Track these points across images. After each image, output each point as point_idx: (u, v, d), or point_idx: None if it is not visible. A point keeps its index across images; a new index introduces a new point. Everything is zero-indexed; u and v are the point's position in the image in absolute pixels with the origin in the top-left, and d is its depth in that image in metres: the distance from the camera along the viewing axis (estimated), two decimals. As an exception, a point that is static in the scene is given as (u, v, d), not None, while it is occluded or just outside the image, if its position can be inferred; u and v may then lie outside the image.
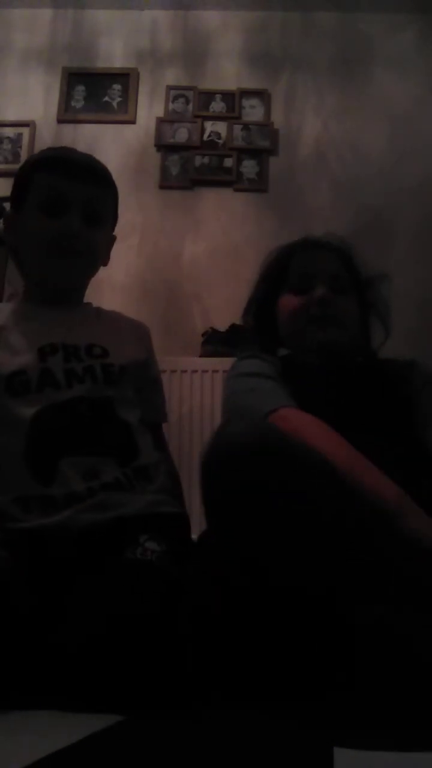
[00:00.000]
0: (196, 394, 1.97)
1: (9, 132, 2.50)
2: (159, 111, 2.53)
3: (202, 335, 2.13)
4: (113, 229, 1.12)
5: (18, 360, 0.96)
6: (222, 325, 2.13)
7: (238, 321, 2.12)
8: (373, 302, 1.14)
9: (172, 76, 2.58)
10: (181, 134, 2.50)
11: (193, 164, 2.45)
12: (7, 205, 2.24)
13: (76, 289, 1.10)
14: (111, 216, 1.09)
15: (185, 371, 2.00)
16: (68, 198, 1.00)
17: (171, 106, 2.54)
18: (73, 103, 2.54)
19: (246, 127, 2.50)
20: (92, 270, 1.09)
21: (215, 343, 2.08)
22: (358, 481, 0.77)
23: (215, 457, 0.71)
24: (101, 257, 1.09)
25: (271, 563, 0.66)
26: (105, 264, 1.12)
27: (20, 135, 2.49)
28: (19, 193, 1.05)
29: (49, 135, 2.51)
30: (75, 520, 0.85)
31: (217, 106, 2.53)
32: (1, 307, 1.09)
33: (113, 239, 1.13)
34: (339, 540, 0.68)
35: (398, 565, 0.69)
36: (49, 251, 1.01)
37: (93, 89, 2.55)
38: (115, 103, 2.54)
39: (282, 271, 1.13)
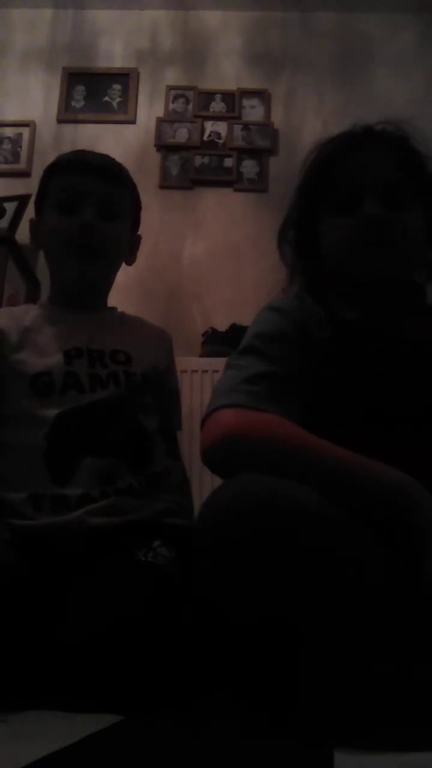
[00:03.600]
0: (196, 394, 1.97)
1: (9, 132, 2.50)
2: (159, 111, 2.53)
3: (202, 335, 2.13)
4: (137, 229, 1.13)
5: (44, 361, 0.97)
6: (222, 325, 2.13)
7: (238, 321, 2.13)
8: None
9: (172, 76, 2.58)
10: (181, 134, 2.50)
11: (193, 164, 2.45)
12: (7, 205, 2.24)
13: (97, 290, 1.10)
14: (129, 213, 1.09)
15: (185, 371, 2.00)
16: (82, 195, 1.02)
17: (171, 106, 2.54)
18: (73, 103, 2.54)
19: (246, 127, 2.50)
20: (112, 268, 1.09)
21: (215, 343, 2.08)
22: (358, 476, 0.67)
23: (212, 527, 0.64)
24: (121, 254, 1.09)
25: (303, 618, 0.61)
26: (130, 263, 1.13)
27: (20, 135, 2.49)
28: (40, 198, 1.07)
29: (49, 135, 2.51)
30: (85, 520, 0.86)
31: (217, 106, 2.53)
32: (28, 308, 1.10)
33: (138, 239, 1.14)
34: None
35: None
36: (66, 247, 1.02)
37: (93, 89, 2.55)
38: (115, 103, 2.54)
39: (323, 180, 0.90)
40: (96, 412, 0.94)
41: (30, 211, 2.20)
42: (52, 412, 0.93)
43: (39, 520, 0.86)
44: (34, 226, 1.09)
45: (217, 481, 0.71)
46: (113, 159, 1.09)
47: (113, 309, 1.13)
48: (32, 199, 1.12)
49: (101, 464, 0.91)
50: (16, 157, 2.46)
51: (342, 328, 0.83)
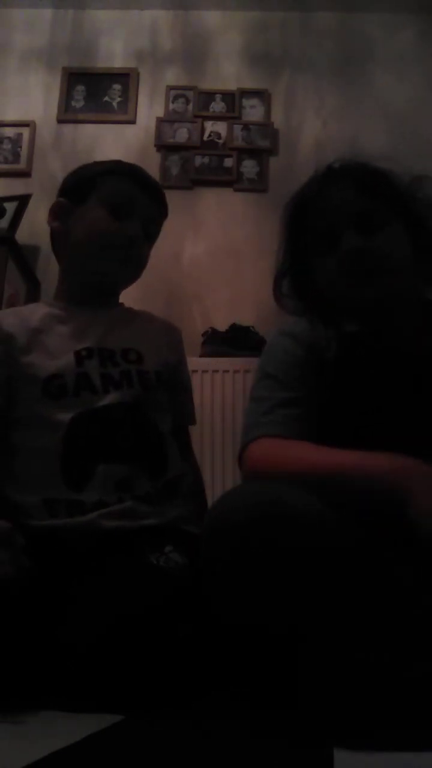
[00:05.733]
0: (196, 394, 1.96)
1: (9, 132, 2.50)
2: (159, 111, 2.53)
3: (202, 335, 2.13)
4: None
5: (55, 363, 0.96)
6: (222, 325, 2.13)
7: (238, 321, 2.13)
8: (424, 214, 0.91)
9: (172, 76, 2.58)
10: (181, 134, 2.50)
11: (193, 164, 2.45)
12: (7, 205, 2.24)
13: (116, 293, 1.12)
14: (156, 236, 1.12)
15: (185, 371, 2.00)
16: (135, 206, 1.03)
17: (171, 106, 2.54)
18: (73, 103, 2.54)
19: (246, 127, 2.50)
20: (135, 279, 1.11)
21: (215, 343, 2.08)
22: (355, 477, 0.71)
23: (214, 537, 0.68)
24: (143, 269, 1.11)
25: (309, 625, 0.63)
26: None
27: (20, 135, 2.49)
28: (84, 188, 1.05)
29: (49, 135, 2.51)
30: (99, 523, 0.86)
31: (217, 106, 2.53)
32: (34, 308, 1.08)
33: None
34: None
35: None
36: (107, 249, 1.02)
37: (93, 89, 2.55)
38: (115, 103, 2.54)
39: (302, 228, 0.92)
40: (111, 415, 0.94)
41: (30, 211, 2.21)
42: (66, 416, 0.92)
43: (53, 522, 0.86)
44: (63, 207, 1.06)
45: (227, 482, 0.74)
46: (160, 186, 1.12)
47: (121, 305, 1.13)
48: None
49: (118, 471, 0.91)
50: (16, 157, 2.46)
51: (346, 346, 0.88)
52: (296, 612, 0.63)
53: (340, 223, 0.86)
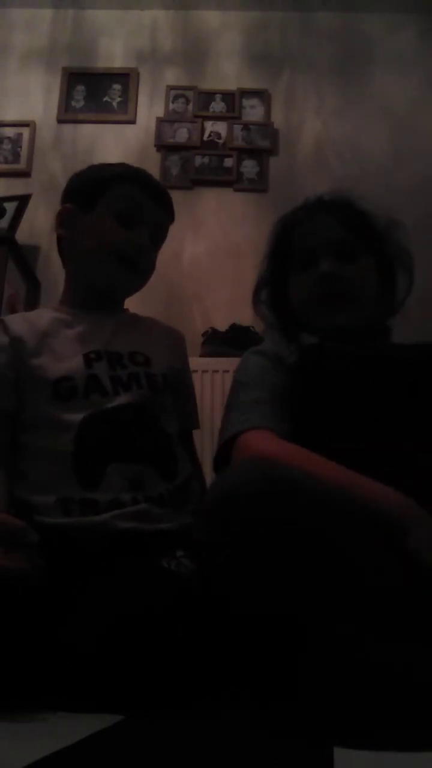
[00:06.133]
0: (196, 394, 1.97)
1: (9, 132, 2.50)
2: (159, 111, 2.53)
3: (202, 335, 2.13)
4: None
5: (64, 366, 0.97)
6: (222, 325, 2.13)
7: (238, 321, 2.13)
8: (394, 255, 1.03)
9: (172, 76, 2.58)
10: (181, 134, 2.50)
11: (193, 164, 2.45)
12: (7, 205, 2.24)
13: (123, 299, 1.12)
14: (163, 241, 1.12)
15: (185, 371, 2.00)
16: (144, 214, 1.03)
17: (171, 106, 2.54)
18: (73, 103, 2.54)
19: (246, 127, 2.50)
20: (142, 286, 1.11)
21: (215, 343, 2.08)
22: (356, 496, 0.71)
23: (220, 509, 0.67)
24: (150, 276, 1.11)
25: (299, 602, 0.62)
26: None
27: (20, 135, 2.49)
28: (93, 195, 1.04)
29: (49, 135, 2.51)
30: (114, 524, 0.86)
31: (217, 106, 2.53)
32: (41, 312, 1.09)
33: None
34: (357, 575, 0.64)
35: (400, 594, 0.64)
36: (117, 260, 1.02)
37: (93, 89, 2.55)
38: (115, 103, 2.54)
39: (287, 246, 1.04)
40: (121, 416, 0.94)
41: (30, 211, 2.21)
42: (77, 417, 0.92)
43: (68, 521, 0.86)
44: (70, 214, 1.06)
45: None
46: (167, 190, 1.11)
47: (126, 310, 1.14)
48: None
49: (130, 470, 0.91)
50: (16, 157, 2.47)
51: (306, 350, 0.95)
52: (298, 593, 0.62)
53: (321, 248, 0.98)
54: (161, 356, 1.05)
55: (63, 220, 1.06)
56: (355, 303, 0.96)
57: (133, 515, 0.87)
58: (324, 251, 0.98)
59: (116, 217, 1.02)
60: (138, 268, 1.05)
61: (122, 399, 0.95)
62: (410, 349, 0.95)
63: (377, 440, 0.81)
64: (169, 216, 1.11)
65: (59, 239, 1.09)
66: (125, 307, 1.14)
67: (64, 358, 0.98)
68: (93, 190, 1.05)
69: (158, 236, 1.09)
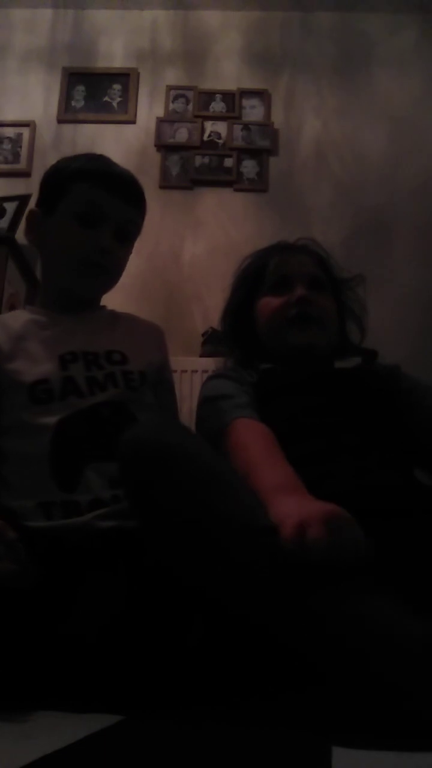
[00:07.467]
0: (196, 394, 1.97)
1: (9, 132, 2.50)
2: (159, 111, 2.53)
3: (202, 335, 2.14)
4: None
5: (40, 369, 0.96)
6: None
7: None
8: (350, 303, 1.17)
9: (172, 76, 2.58)
10: (181, 134, 2.50)
11: (193, 164, 2.45)
12: (7, 205, 2.24)
13: (94, 300, 1.11)
14: (137, 236, 1.10)
15: (185, 371, 2.00)
16: (105, 213, 1.01)
17: (171, 106, 2.54)
18: (73, 103, 2.54)
19: (246, 127, 2.50)
20: (113, 285, 1.09)
21: (215, 343, 2.08)
22: (251, 480, 0.77)
23: (121, 454, 0.74)
24: (122, 272, 1.09)
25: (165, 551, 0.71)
26: None
27: (20, 135, 2.49)
28: (53, 197, 1.03)
29: (49, 135, 2.51)
30: (95, 524, 0.86)
31: (217, 106, 2.54)
32: (17, 314, 1.08)
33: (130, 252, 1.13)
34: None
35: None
36: (79, 264, 1.00)
37: (93, 89, 2.55)
38: (115, 103, 2.54)
39: (259, 275, 1.14)
40: (98, 415, 0.94)
41: (30, 211, 2.21)
42: (53, 419, 0.92)
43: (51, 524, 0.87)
44: (35, 219, 1.05)
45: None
46: (137, 181, 1.08)
47: (103, 308, 1.13)
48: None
49: (109, 468, 0.90)
50: (16, 157, 2.47)
51: (264, 372, 1.08)
52: (178, 552, 0.69)
53: (296, 277, 1.10)
54: (139, 353, 1.04)
55: (29, 225, 1.06)
56: (322, 325, 1.09)
57: (115, 514, 0.87)
58: (299, 279, 1.10)
59: (76, 218, 1.00)
60: (104, 269, 1.02)
61: (97, 398, 0.95)
62: (349, 370, 1.09)
63: (328, 440, 0.92)
64: (137, 210, 1.06)
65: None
66: (103, 304, 1.14)
67: (40, 361, 0.97)
68: (52, 192, 1.03)
69: (127, 232, 1.05)
